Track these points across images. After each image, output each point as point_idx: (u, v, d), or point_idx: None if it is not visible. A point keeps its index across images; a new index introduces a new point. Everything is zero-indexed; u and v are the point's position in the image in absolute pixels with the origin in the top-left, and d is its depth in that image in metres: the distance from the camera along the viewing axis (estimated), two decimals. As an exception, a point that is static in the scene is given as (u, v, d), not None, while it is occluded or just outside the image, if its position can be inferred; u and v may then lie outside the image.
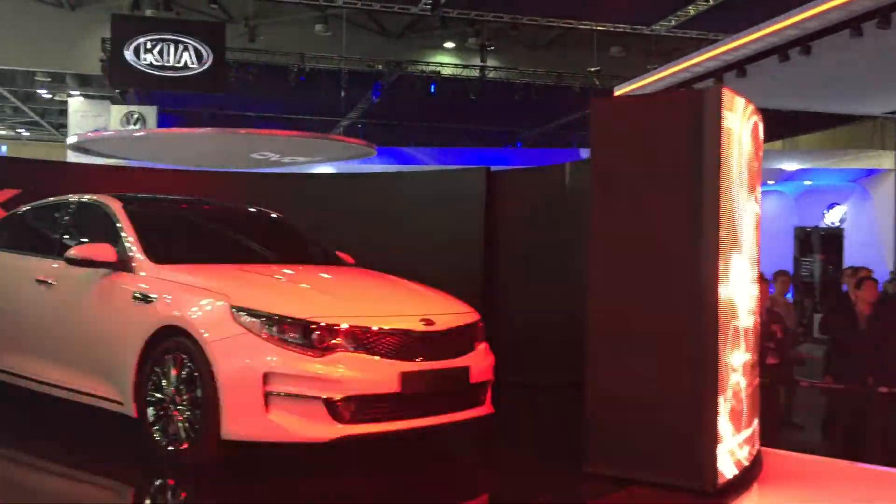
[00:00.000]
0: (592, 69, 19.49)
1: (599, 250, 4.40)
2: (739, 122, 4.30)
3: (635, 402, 4.21)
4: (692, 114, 4.15)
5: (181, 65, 16.26)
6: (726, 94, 4.14)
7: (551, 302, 6.89)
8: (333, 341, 4.21)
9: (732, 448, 4.18)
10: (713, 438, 4.01)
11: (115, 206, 5.28)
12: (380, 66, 19.51)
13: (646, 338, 4.20)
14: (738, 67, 12.87)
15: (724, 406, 4.08)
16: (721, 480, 4.04)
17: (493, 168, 7.75)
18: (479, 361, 4.73)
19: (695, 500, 3.98)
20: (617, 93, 16.37)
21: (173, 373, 4.35)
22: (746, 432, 4.43)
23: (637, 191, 4.29)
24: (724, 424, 4.08)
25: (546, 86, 20.07)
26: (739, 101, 4.29)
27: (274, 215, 6.21)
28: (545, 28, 19.11)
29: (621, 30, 18.70)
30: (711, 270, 4.04)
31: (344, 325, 4.26)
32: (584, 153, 24.32)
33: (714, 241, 4.04)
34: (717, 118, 4.07)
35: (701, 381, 4.05)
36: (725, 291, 4.10)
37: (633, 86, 15.48)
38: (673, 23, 18.09)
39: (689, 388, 4.07)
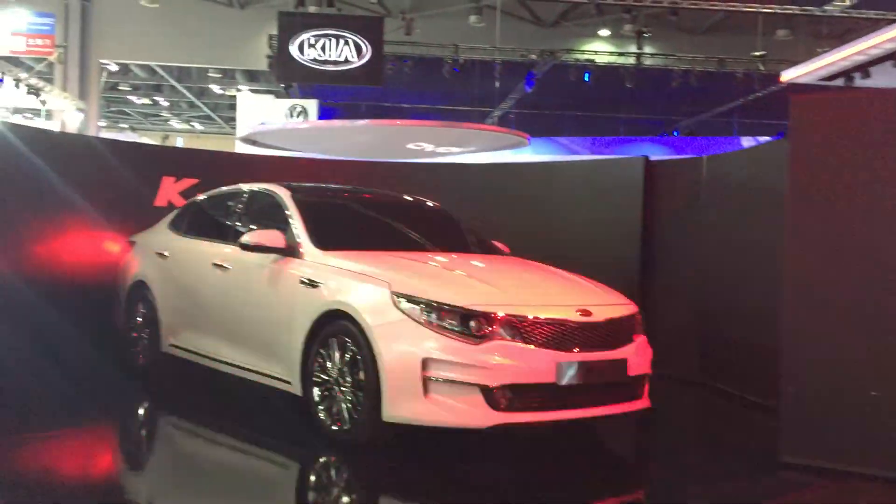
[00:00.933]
0: (757, 54, 18.62)
1: (799, 245, 4.46)
2: None
3: (842, 395, 4.25)
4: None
5: (342, 59, 16.83)
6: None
7: (711, 296, 6.67)
8: (490, 329, 4.24)
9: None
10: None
11: (285, 195, 5.53)
12: (533, 56, 19.44)
13: (853, 331, 4.26)
14: (922, 48, 11.95)
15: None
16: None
17: (653, 158, 7.57)
18: (637, 354, 4.64)
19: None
20: (783, 78, 15.59)
21: (337, 355, 4.52)
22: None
23: (844, 188, 4.34)
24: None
25: (706, 72, 19.36)
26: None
27: (431, 204, 6.33)
28: (706, 12, 18.41)
29: (789, 11, 17.75)
30: None
31: (501, 314, 4.28)
32: (747, 142, 23.31)
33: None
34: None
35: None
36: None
37: (803, 71, 14.68)
38: (847, 2, 16.99)
39: None
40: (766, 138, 23.92)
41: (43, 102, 18.88)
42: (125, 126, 34.31)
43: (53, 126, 18.80)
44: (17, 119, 20.17)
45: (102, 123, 26.52)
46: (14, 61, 20.11)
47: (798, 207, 4.47)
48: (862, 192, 4.32)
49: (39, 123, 18.93)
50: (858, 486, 4.18)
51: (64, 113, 19.75)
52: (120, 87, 27.00)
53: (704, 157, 7.19)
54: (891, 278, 4.21)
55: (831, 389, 4.30)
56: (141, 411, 5.79)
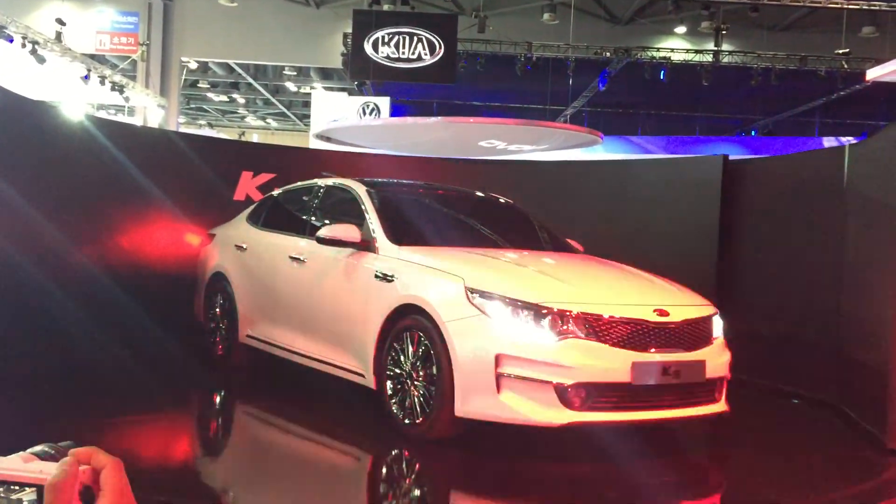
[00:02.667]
0: (841, 51, 18.04)
1: None
2: None
3: None
4: None
5: (415, 56, 16.91)
6: None
7: (787, 300, 6.51)
8: (565, 327, 4.21)
9: None
10: None
11: (360, 190, 5.59)
12: (607, 54, 19.20)
13: None
14: None
15: None
16: None
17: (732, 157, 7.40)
18: (715, 356, 4.54)
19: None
20: (869, 76, 15.07)
21: (411, 349, 4.55)
22: None
23: None
24: None
25: (787, 70, 18.83)
26: None
27: (504, 201, 6.31)
28: (788, 8, 17.92)
29: (875, 7, 17.15)
30: None
31: (576, 311, 4.24)
32: (828, 142, 22.61)
33: None
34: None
35: None
36: None
37: (889, 69, 14.15)
38: (937, -3, 16.33)
39: None
40: (849, 138, 23.18)
41: (126, 99, 19.48)
42: (203, 123, 35.15)
43: (135, 122, 19.39)
44: (102, 115, 20.86)
45: (182, 119, 27.21)
46: (99, 59, 20.79)
47: None
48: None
49: (122, 119, 19.55)
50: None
51: (146, 109, 20.35)
52: (199, 85, 27.67)
53: (778, 156, 7.03)
54: None
55: None
56: (218, 400, 5.93)
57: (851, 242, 5.70)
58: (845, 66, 18.18)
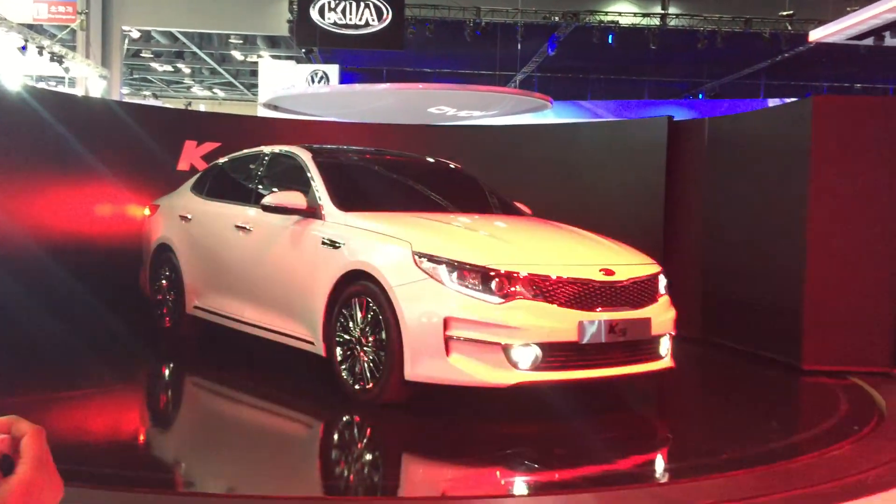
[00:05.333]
0: (785, 13, 18.26)
1: (819, 211, 5.72)
2: None
3: (849, 314, 5.68)
4: None
5: (363, 22, 16.70)
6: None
7: (730, 256, 6.64)
8: (513, 289, 4.23)
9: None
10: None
11: (306, 157, 5.53)
12: (556, 18, 19.19)
13: (858, 272, 5.70)
14: (955, 4, 11.65)
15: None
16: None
17: (676, 119, 7.47)
18: (660, 314, 4.61)
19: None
20: (812, 38, 15.31)
21: (360, 315, 4.53)
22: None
23: (854, 173, 5.71)
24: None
25: (732, 32, 19.02)
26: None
27: (453, 165, 6.29)
28: (733, -29, 18.07)
29: (818, -31, 17.38)
30: None
31: (523, 273, 4.26)
32: (773, 103, 22.94)
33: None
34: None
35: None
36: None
37: (832, 30, 14.39)
38: (878, -42, 16.55)
39: (888, 305, 5.69)
40: (794, 99, 23.56)
41: (66, 70, 18.96)
42: (147, 93, 34.41)
43: (77, 93, 18.89)
44: (42, 87, 20.28)
45: (125, 90, 26.60)
46: (37, 28, 20.16)
47: (817, 187, 5.75)
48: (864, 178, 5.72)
49: (63, 90, 19.02)
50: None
51: (87, 80, 19.84)
52: (142, 55, 27.05)
53: (712, 118, 7.26)
54: (877, 231, 5.72)
55: (842, 309, 5.70)
56: (167, 372, 5.87)
57: (765, 199, 6.28)
58: (789, 27, 18.43)
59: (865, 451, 3.91)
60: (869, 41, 14.28)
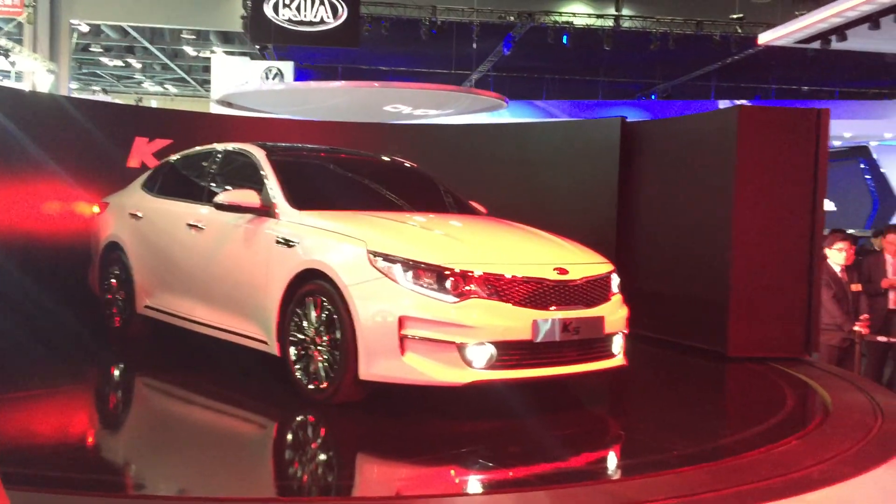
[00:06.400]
0: (735, 16, 18.59)
1: (742, 212, 6.21)
2: None
3: (768, 306, 6.21)
4: (815, 129, 6.29)
5: (317, 19, 16.59)
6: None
7: (679, 256, 6.78)
8: (467, 288, 4.24)
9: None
10: (817, 330, 6.38)
11: (260, 154, 5.47)
12: (511, 18, 19.27)
13: (776, 268, 6.25)
14: (899, 11, 11.97)
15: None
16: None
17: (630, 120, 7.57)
18: (613, 312, 4.67)
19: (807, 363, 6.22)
20: (761, 41, 15.60)
21: (314, 314, 4.51)
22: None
23: (772, 177, 6.24)
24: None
25: (684, 35, 19.30)
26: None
27: (408, 164, 6.29)
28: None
29: (767, -27, 17.72)
30: (818, 227, 6.33)
31: (478, 272, 4.28)
32: (724, 105, 23.33)
33: (822, 213, 6.40)
34: (827, 134, 6.33)
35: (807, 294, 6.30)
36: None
37: (780, 33, 14.68)
38: (825, -36, 16.94)
39: (801, 297, 6.29)
40: (744, 101, 23.98)
41: (12, 64, 18.48)
42: (97, 88, 33.74)
43: (24, 88, 18.44)
44: (-14, 80, 19.78)
45: (74, 85, 26.04)
46: (-19, 21, 19.65)
47: (741, 188, 6.24)
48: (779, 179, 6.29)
49: (9, 85, 18.56)
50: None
51: (34, 74, 19.37)
52: (91, 49, 26.52)
53: (650, 120, 7.46)
54: (793, 231, 6.28)
55: (763, 302, 6.24)
56: (117, 373, 5.76)
57: (695, 200, 6.72)
58: (739, 30, 18.76)
59: (811, 447, 4.00)
60: (816, 45, 14.60)
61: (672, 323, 6.74)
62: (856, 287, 7.77)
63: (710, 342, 6.40)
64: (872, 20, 12.65)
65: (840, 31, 13.63)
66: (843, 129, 25.30)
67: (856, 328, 7.46)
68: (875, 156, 28.23)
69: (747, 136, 6.22)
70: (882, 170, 27.90)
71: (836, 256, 7.79)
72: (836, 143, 28.61)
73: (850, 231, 11.61)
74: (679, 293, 6.74)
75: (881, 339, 7.65)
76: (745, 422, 4.81)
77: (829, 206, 29.29)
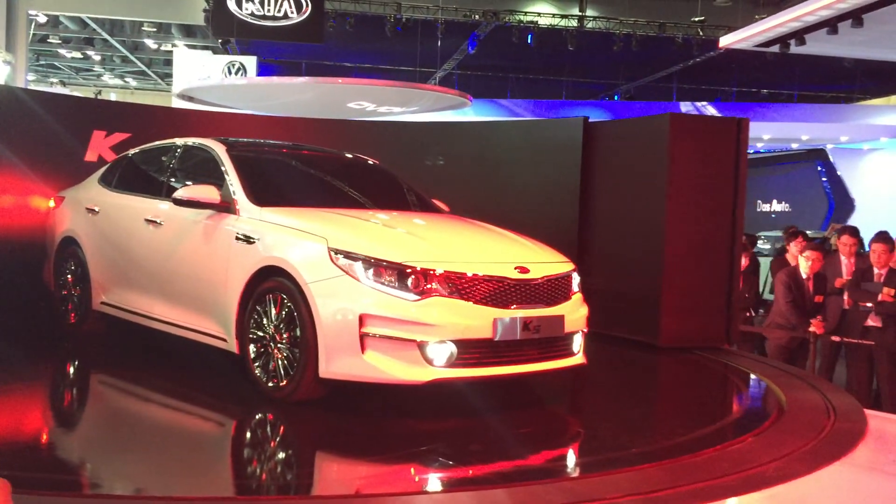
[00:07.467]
0: (697, 19, 18.81)
1: (673, 212, 6.60)
2: None
3: (694, 301, 6.65)
4: (735, 137, 6.77)
5: (281, 14, 16.45)
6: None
7: (635, 255, 6.86)
8: (428, 286, 4.23)
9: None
10: (736, 323, 6.92)
11: (220, 150, 5.41)
12: (476, 16, 19.31)
13: (702, 266, 6.69)
14: (855, 17, 12.21)
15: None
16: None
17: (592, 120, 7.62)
18: (573, 311, 4.69)
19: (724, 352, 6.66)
20: (722, 44, 15.80)
21: (274, 312, 4.47)
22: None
23: (699, 180, 6.69)
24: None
25: (647, 36, 19.50)
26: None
27: (371, 162, 6.27)
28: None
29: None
30: (738, 227, 6.83)
31: (439, 271, 4.28)
32: (685, 107, 23.61)
33: (742, 214, 6.88)
34: (747, 141, 6.84)
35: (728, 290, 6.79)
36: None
37: (740, 37, 14.89)
38: (785, -31, 17.22)
39: (723, 293, 6.78)
40: (704, 103, 24.28)
41: (-34, 54, 18.10)
42: (55, 80, 33.15)
43: (-22, 78, 18.05)
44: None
45: (31, 77, 25.56)
46: (-66, 10, 19.17)
47: (673, 190, 6.62)
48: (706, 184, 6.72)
49: (-37, 75, 18.16)
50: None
51: (-11, 65, 18.96)
52: (49, 40, 26.04)
53: (601, 122, 7.69)
54: (717, 230, 6.76)
55: (687, 297, 6.63)
56: (71, 370, 5.67)
57: (633, 201, 7.03)
58: (700, 33, 19.00)
59: (766, 445, 4.06)
60: (776, 48, 14.83)
61: (607, 317, 6.83)
62: (818, 298, 7.92)
63: (643, 333, 6.76)
64: (831, 25, 12.88)
65: (799, 35, 13.87)
66: (801, 132, 25.75)
67: (811, 329, 7.61)
68: (832, 158, 28.78)
69: (677, 141, 6.61)
70: (838, 172, 28.45)
71: (802, 264, 7.94)
72: (794, 146, 29.10)
73: (809, 232, 11.84)
74: (617, 290, 6.97)
75: (835, 339, 7.81)
76: (702, 419, 4.87)
77: (782, 206, 29.87)
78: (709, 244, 6.71)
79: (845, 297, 8.04)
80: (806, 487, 3.55)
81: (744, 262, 8.61)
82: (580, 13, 19.72)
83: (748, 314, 8.91)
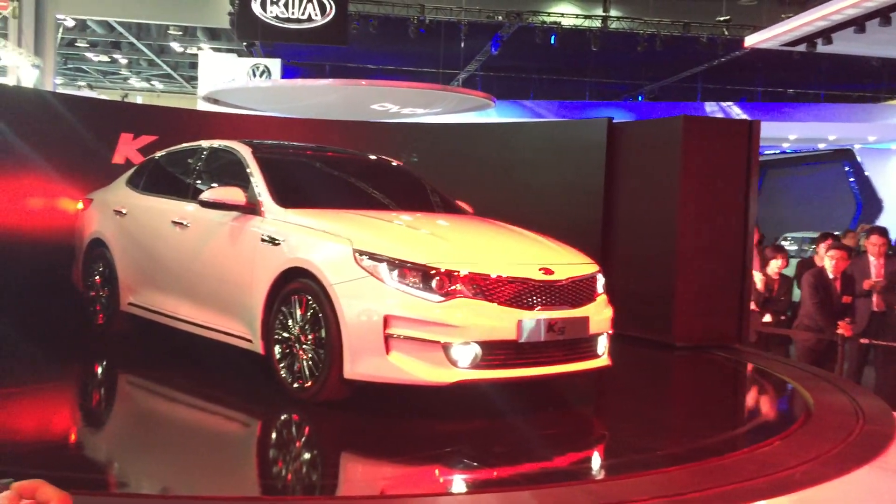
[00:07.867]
0: (722, 18, 18.68)
1: (685, 215, 6.69)
2: None
3: (707, 301, 6.74)
4: (748, 138, 6.84)
5: (305, 17, 16.54)
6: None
7: (651, 255, 6.85)
8: (453, 287, 4.23)
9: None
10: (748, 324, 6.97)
11: (246, 152, 5.45)
12: (499, 17, 19.29)
13: (714, 266, 6.76)
14: (883, 15, 12.06)
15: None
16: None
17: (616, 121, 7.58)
18: (598, 312, 4.67)
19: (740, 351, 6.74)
20: (747, 43, 15.68)
21: (299, 313, 4.49)
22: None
23: (711, 181, 6.76)
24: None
25: (671, 36, 19.38)
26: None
27: (395, 163, 6.28)
28: (672, -25, 18.40)
29: (754, -24, 17.81)
30: (750, 228, 6.88)
31: (464, 272, 4.28)
32: (710, 107, 23.44)
33: (753, 215, 6.94)
34: (758, 143, 6.93)
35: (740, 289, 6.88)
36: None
37: (766, 36, 14.76)
38: (811, -32, 17.05)
39: (735, 293, 6.86)
40: (729, 104, 24.10)
41: (-4, 58, 18.37)
42: (82, 84, 33.54)
43: (8, 83, 18.30)
44: (-30, 75, 19.62)
45: (59, 80, 25.87)
46: (-35, 15, 19.48)
47: (685, 188, 6.73)
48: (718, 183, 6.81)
49: (-7, 79, 18.43)
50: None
51: (19, 69, 19.23)
52: (77, 44, 26.34)
53: (622, 122, 7.72)
54: (731, 233, 6.82)
55: (702, 298, 6.73)
56: (100, 370, 5.73)
57: (649, 202, 7.09)
58: (725, 33, 18.86)
59: (794, 448, 4.02)
60: (802, 48, 14.69)
61: (624, 317, 6.84)
62: (846, 299, 7.84)
63: (659, 333, 6.80)
64: (858, 24, 12.74)
65: (826, 34, 13.72)
66: (828, 132, 25.47)
67: (839, 331, 7.53)
68: (859, 158, 28.44)
69: (690, 143, 6.68)
70: (866, 173, 28.12)
71: (827, 263, 7.87)
72: (821, 146, 28.80)
73: (837, 233, 11.71)
74: (634, 289, 6.93)
75: (863, 341, 7.72)
76: (727, 422, 4.83)
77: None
78: (721, 244, 6.80)
79: (874, 298, 7.95)
80: (834, 491, 3.51)
81: (781, 263, 8.56)
82: (604, 13, 19.65)
83: (782, 317, 8.83)
